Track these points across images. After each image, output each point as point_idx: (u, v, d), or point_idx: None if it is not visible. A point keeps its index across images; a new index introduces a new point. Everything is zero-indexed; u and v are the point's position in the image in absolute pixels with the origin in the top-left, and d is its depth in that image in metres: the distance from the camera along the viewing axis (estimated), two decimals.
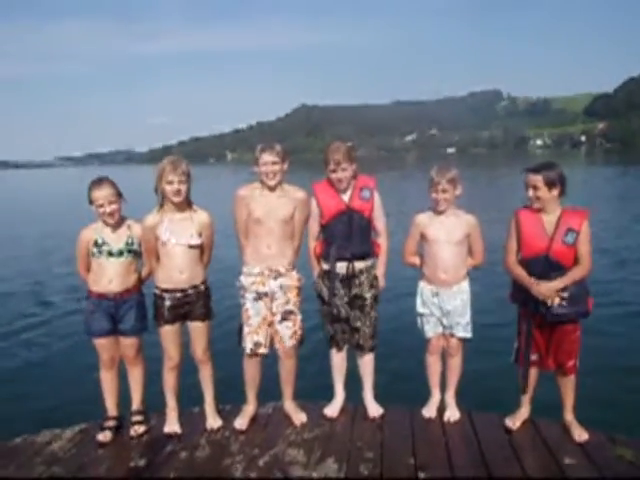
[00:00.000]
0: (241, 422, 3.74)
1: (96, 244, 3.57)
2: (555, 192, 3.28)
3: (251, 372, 3.76)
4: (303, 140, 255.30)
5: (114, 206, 3.54)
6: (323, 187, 3.73)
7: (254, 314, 3.67)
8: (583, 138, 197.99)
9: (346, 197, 3.68)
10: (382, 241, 3.82)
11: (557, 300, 3.29)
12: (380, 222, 3.79)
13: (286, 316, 3.69)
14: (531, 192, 3.31)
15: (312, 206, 3.73)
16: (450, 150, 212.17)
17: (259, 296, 3.65)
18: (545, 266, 3.32)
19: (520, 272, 3.40)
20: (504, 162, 77.69)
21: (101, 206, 3.51)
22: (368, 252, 3.75)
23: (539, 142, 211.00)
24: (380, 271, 3.83)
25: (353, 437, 3.59)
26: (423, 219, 3.74)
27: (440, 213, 3.69)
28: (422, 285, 3.83)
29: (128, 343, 3.69)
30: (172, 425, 3.73)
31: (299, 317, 3.74)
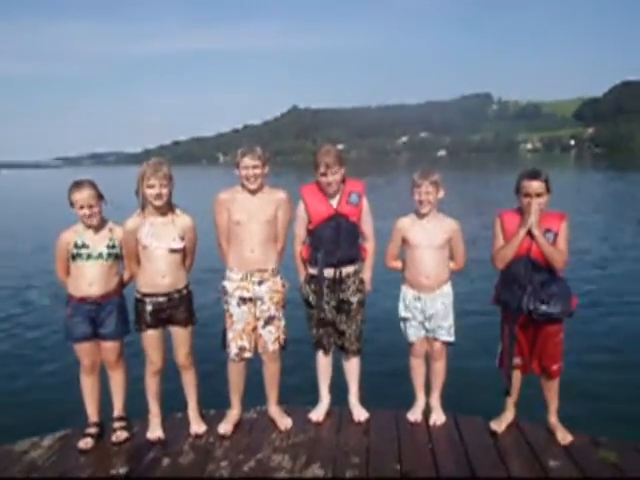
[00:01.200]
0: (225, 427, 3.69)
1: (76, 246, 3.51)
2: (549, 196, 3.36)
3: (235, 377, 3.71)
4: (294, 142, 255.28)
5: (94, 209, 3.48)
6: (312, 191, 3.69)
7: (238, 319, 3.64)
8: (572, 142, 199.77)
9: (334, 202, 3.65)
10: (369, 245, 3.79)
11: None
12: (368, 227, 3.76)
13: (269, 321, 3.67)
14: (534, 199, 3.29)
15: (300, 210, 3.70)
16: (441, 153, 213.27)
17: (243, 301, 3.62)
18: (528, 266, 3.35)
19: (508, 245, 3.39)
20: (494, 166, 78.18)
21: (81, 208, 3.46)
22: (355, 257, 3.73)
23: (529, 146, 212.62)
24: (367, 275, 3.80)
25: (339, 442, 3.56)
26: (405, 223, 3.73)
27: (422, 216, 3.68)
28: (404, 289, 3.82)
29: (109, 347, 3.62)
30: (155, 431, 3.67)
31: (282, 322, 3.72)
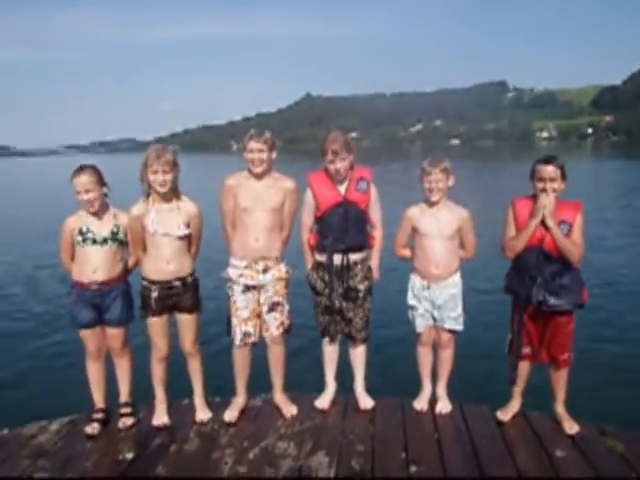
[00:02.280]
0: (231, 414, 3.69)
1: (80, 232, 3.50)
2: (564, 185, 3.28)
3: (241, 363, 3.71)
4: (307, 130, 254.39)
5: (92, 194, 3.44)
6: (319, 178, 3.64)
7: (243, 306, 3.64)
8: (590, 130, 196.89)
9: (342, 189, 3.60)
10: (377, 233, 3.75)
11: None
12: (376, 214, 3.71)
13: (273, 307, 3.66)
14: (548, 184, 3.23)
15: (307, 197, 3.65)
16: (454, 142, 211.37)
17: (247, 288, 3.61)
18: (540, 257, 3.29)
19: (519, 236, 3.32)
20: (509, 154, 77.33)
21: (78, 193, 3.44)
22: (363, 244, 3.69)
23: (545, 134, 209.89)
24: (374, 263, 3.77)
25: (344, 430, 3.55)
26: (415, 212, 3.69)
27: (432, 205, 3.64)
28: (413, 278, 3.79)
29: (114, 334, 3.63)
30: (161, 417, 3.68)
31: (286, 307, 3.72)
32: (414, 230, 3.68)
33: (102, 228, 3.53)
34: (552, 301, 3.28)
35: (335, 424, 3.62)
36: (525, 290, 3.34)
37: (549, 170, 3.24)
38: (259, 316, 3.66)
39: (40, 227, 15.99)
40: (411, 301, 3.79)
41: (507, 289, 3.53)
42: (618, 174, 33.78)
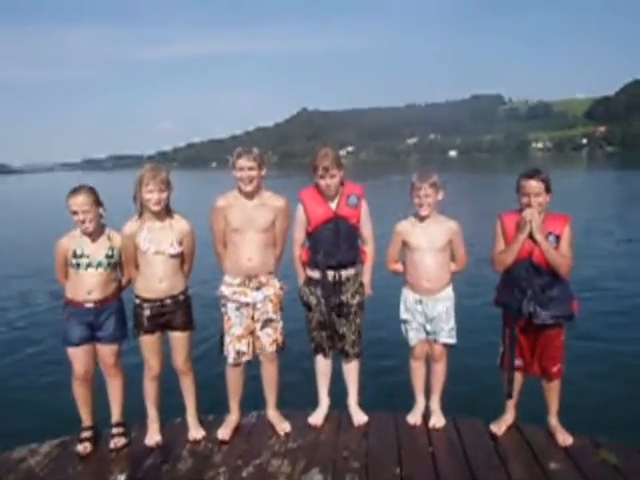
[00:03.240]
0: (224, 432, 3.67)
1: (75, 255, 3.49)
2: (549, 197, 3.32)
3: (234, 381, 3.70)
4: (304, 144, 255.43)
5: (88, 215, 3.44)
6: (310, 194, 3.66)
7: (236, 323, 3.62)
8: (584, 141, 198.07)
9: (333, 204, 3.62)
10: (369, 248, 3.76)
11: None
12: (367, 229, 3.73)
13: (267, 323, 3.65)
14: (532, 199, 3.26)
15: (299, 213, 3.67)
16: (452, 154, 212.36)
17: (241, 305, 3.61)
18: (529, 269, 3.32)
19: (508, 250, 3.35)
20: (506, 166, 77.65)
21: (75, 214, 3.44)
22: (354, 259, 3.70)
23: (540, 145, 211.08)
24: (366, 278, 3.77)
25: (338, 446, 3.53)
26: (405, 227, 3.70)
27: (422, 219, 3.65)
28: (405, 292, 3.79)
29: (107, 351, 3.61)
30: (153, 437, 3.66)
31: (280, 324, 3.70)
32: (405, 244, 3.69)
33: (97, 251, 3.52)
34: (543, 314, 3.30)
35: (329, 440, 3.61)
36: (515, 303, 3.36)
37: (533, 185, 3.28)
38: (252, 333, 3.64)
39: (32, 243, 15.97)
40: (404, 315, 3.79)
41: (497, 302, 3.54)
42: (614, 184, 33.96)
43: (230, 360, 3.63)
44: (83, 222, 3.44)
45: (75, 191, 3.46)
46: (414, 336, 3.78)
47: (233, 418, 3.76)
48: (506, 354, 3.51)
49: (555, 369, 3.47)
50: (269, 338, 3.66)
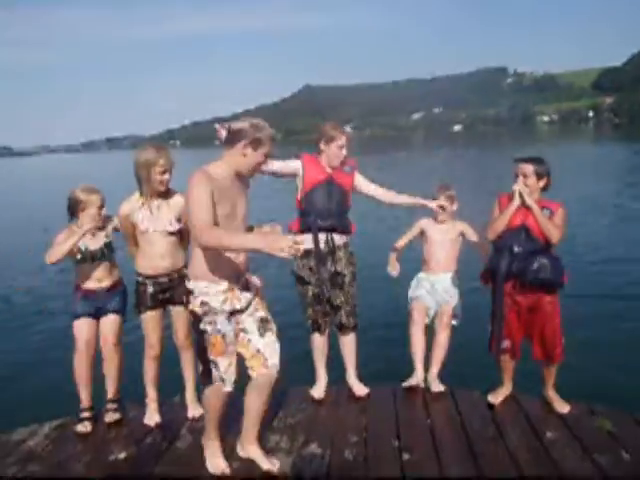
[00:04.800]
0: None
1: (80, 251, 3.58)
2: (541, 183, 3.42)
3: (220, 409, 3.06)
4: (307, 121, 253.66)
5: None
6: (311, 159, 3.76)
7: (231, 340, 2.87)
8: (591, 113, 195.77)
9: (329, 170, 3.73)
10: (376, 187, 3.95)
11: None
12: (370, 186, 3.91)
13: (264, 327, 2.96)
14: (520, 180, 3.41)
15: (294, 162, 3.72)
16: (456, 128, 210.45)
17: (231, 314, 2.85)
18: (521, 236, 3.41)
19: (500, 216, 3.47)
20: (511, 139, 76.87)
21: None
22: (346, 227, 3.76)
23: (546, 118, 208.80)
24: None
25: (337, 421, 3.54)
26: (425, 223, 4.19)
27: (439, 222, 4.11)
28: (419, 274, 4.21)
29: (111, 323, 3.66)
30: (153, 416, 3.67)
31: (274, 325, 3.03)
32: (422, 234, 4.16)
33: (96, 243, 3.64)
34: (531, 273, 3.35)
35: (327, 416, 3.62)
36: (505, 263, 3.42)
37: (522, 167, 3.44)
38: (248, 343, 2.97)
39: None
40: (414, 289, 4.14)
41: (484, 277, 3.62)
42: (621, 156, 33.53)
43: (229, 387, 2.91)
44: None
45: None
46: (418, 301, 4.04)
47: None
48: (494, 335, 3.55)
49: (557, 351, 3.51)
50: (275, 345, 2.97)
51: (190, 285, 2.78)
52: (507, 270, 3.41)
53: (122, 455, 3.31)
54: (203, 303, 2.77)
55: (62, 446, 3.47)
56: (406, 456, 3.10)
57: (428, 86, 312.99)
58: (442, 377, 3.88)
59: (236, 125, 2.65)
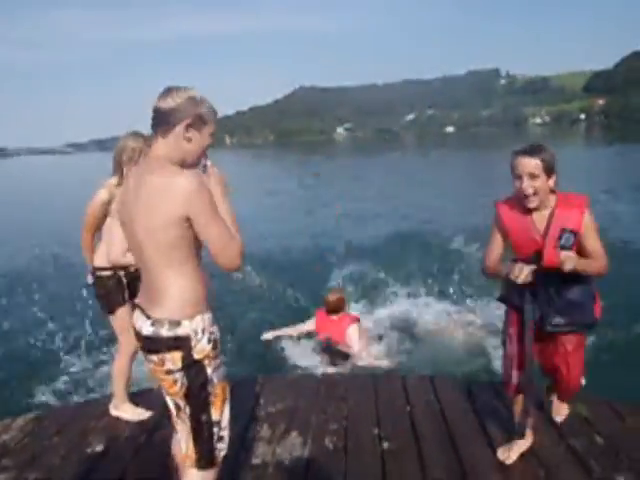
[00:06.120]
0: None
1: None
2: (552, 181, 2.51)
3: None
4: (301, 122, 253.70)
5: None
6: None
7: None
8: (582, 116, 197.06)
9: None
10: None
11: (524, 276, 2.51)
12: None
13: None
14: (525, 182, 2.46)
15: None
16: (449, 129, 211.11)
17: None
18: (538, 273, 2.55)
19: (495, 271, 2.73)
20: (503, 141, 77.11)
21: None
22: None
23: (538, 120, 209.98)
24: None
25: (317, 409, 3.53)
26: None
27: None
28: None
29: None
30: (129, 408, 3.61)
31: None
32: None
33: None
34: (556, 319, 2.59)
35: (308, 404, 3.61)
36: (527, 305, 2.63)
37: (526, 163, 2.48)
38: None
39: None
40: None
41: (503, 299, 2.82)
42: (614, 157, 33.70)
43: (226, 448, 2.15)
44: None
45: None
46: None
47: None
48: (512, 368, 2.76)
49: (571, 388, 2.84)
50: None
51: (183, 331, 1.93)
52: (530, 313, 2.62)
53: (100, 447, 3.26)
54: (210, 341, 1.98)
55: (37, 439, 3.41)
56: (386, 444, 3.10)
57: (421, 88, 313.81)
58: (421, 366, 3.85)
59: (165, 104, 1.92)
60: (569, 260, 2.42)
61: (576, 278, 2.55)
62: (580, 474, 2.74)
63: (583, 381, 2.87)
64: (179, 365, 1.95)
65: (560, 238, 2.49)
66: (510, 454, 2.86)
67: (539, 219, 2.57)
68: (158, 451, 3.18)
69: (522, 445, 2.88)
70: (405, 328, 5.64)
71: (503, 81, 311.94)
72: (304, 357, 4.80)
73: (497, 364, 3.72)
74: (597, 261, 2.51)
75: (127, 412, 3.60)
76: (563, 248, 2.48)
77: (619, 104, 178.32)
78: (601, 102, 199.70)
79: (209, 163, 2.08)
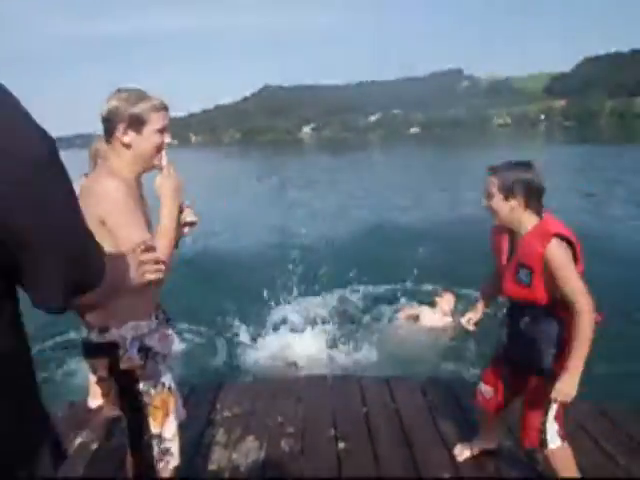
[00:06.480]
0: None
1: None
2: (513, 203, 2.24)
3: None
4: (266, 121, 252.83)
5: None
6: None
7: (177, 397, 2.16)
8: (542, 117, 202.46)
9: None
10: None
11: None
12: None
13: None
14: (483, 199, 2.35)
15: None
16: (414, 130, 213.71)
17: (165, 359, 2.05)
18: (514, 303, 2.42)
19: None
20: (466, 141, 78.54)
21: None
22: None
23: (500, 121, 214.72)
24: None
25: (274, 413, 3.51)
26: None
27: None
28: None
29: None
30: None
31: None
32: None
33: None
34: (513, 354, 2.47)
35: (264, 409, 3.58)
36: (500, 329, 2.55)
37: (486, 181, 2.32)
38: None
39: None
40: None
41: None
42: (574, 157, 34.69)
43: (177, 462, 2.05)
44: None
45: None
46: None
47: None
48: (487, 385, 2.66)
49: (530, 437, 2.39)
50: None
51: (111, 337, 1.83)
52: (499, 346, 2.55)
53: (78, 440, 3.22)
54: (142, 350, 1.88)
55: None
56: (342, 444, 3.11)
57: (386, 88, 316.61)
58: (378, 368, 3.90)
59: (104, 110, 1.83)
60: (561, 395, 2.17)
61: (544, 316, 2.27)
62: (530, 471, 2.79)
63: (552, 445, 2.35)
64: (107, 373, 1.87)
65: (518, 271, 2.27)
66: (464, 452, 2.90)
67: (516, 243, 2.34)
68: (115, 457, 3.08)
69: (478, 444, 2.90)
70: (360, 327, 5.73)
71: (466, 82, 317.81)
72: (261, 362, 4.81)
73: (451, 362, 3.80)
74: (580, 316, 2.10)
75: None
76: (520, 283, 2.26)
77: (577, 106, 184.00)
78: (560, 104, 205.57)
79: (164, 163, 1.93)
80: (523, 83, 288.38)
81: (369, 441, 3.14)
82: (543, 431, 2.33)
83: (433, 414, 3.41)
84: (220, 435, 3.27)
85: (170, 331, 2.09)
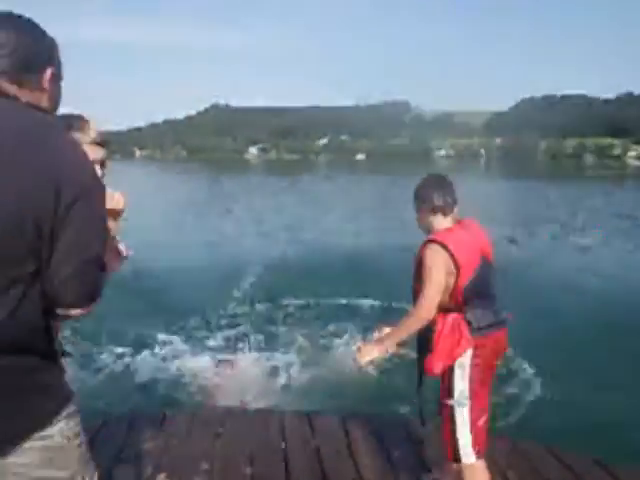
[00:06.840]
0: None
1: None
2: (421, 216, 2.45)
3: None
4: (213, 139, 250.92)
5: None
6: None
7: None
8: (482, 151, 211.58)
9: None
10: None
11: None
12: None
13: None
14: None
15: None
16: (360, 156, 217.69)
17: None
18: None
19: None
20: (410, 170, 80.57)
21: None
22: None
23: (443, 152, 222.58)
24: None
25: (189, 448, 3.37)
26: None
27: None
28: None
29: None
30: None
31: None
32: None
33: None
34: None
35: (179, 443, 3.43)
36: None
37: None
38: None
39: None
40: None
41: None
42: (510, 191, 36.25)
43: None
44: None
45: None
46: None
47: None
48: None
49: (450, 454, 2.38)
50: None
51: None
52: None
53: None
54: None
55: None
56: None
57: (335, 113, 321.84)
58: (298, 403, 3.82)
59: None
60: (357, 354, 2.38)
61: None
62: None
63: (466, 460, 2.33)
64: None
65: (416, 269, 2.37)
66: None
67: None
68: None
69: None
70: (287, 355, 5.55)
71: (412, 113, 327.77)
72: (179, 390, 4.61)
73: (371, 395, 3.80)
74: (413, 314, 2.28)
75: None
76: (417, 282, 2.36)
77: (512, 143, 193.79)
78: (498, 140, 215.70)
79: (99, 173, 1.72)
80: (465, 118, 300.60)
81: (285, 478, 3.05)
82: (454, 444, 2.32)
83: (352, 449, 3.37)
84: (130, 473, 3.10)
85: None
